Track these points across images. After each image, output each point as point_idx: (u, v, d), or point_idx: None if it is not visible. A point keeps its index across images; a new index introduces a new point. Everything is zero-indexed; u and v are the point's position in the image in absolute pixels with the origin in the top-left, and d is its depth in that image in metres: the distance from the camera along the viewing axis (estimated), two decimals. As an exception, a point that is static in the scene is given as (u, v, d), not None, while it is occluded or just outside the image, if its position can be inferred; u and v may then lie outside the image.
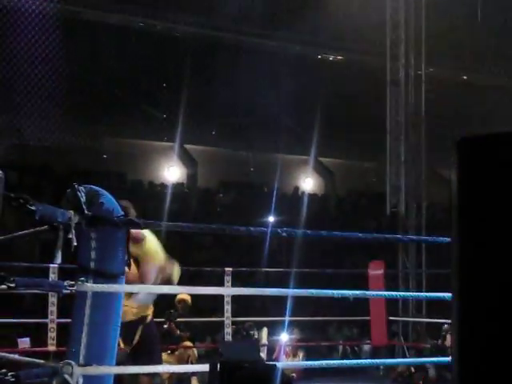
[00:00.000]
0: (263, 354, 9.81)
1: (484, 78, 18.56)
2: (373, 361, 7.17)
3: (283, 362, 9.55)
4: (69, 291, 3.84)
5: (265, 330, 10.02)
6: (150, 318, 6.04)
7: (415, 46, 12.71)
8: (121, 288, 4.15)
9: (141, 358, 5.46)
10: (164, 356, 9.10)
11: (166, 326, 9.41)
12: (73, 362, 3.82)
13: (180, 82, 16.67)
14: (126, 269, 4.30)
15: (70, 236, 3.82)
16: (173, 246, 15.23)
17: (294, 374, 10.08)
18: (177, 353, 9.38)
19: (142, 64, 16.70)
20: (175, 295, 9.52)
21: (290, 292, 7.83)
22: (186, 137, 17.54)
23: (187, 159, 18.52)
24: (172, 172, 18.13)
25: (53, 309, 8.50)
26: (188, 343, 9.62)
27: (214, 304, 10.36)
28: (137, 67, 16.74)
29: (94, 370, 3.86)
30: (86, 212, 3.90)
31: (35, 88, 15.23)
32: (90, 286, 3.97)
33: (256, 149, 18.58)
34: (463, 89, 18.37)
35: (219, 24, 16.58)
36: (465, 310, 1.81)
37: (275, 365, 3.06)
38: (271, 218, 16.47)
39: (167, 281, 5.87)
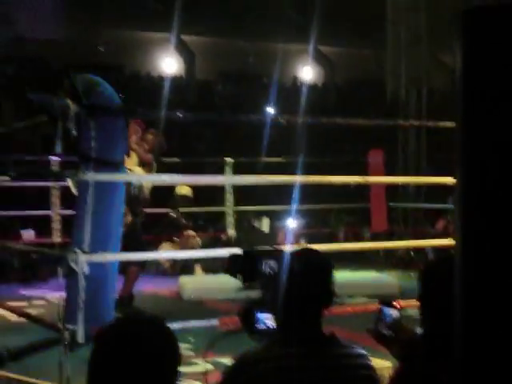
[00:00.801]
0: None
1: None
2: (372, 244, 7.27)
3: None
4: (70, 181, 3.86)
5: (265, 219, 10.14)
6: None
7: None
8: (122, 177, 4.17)
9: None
10: (167, 245, 9.27)
11: (170, 214, 9.52)
12: (78, 250, 3.88)
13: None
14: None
15: (69, 125, 3.82)
16: (173, 137, 15.28)
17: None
18: (180, 241, 9.52)
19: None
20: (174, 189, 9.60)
21: (290, 180, 7.86)
22: (183, 27, 17.20)
23: (185, 50, 18.25)
24: (169, 63, 17.88)
25: (55, 201, 8.55)
26: (191, 232, 9.76)
27: (214, 194, 10.43)
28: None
29: (98, 257, 3.93)
30: (83, 101, 3.88)
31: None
32: (92, 176, 3.99)
33: (254, 38, 18.27)
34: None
35: None
36: (468, 192, 1.81)
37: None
38: (271, 109, 16.38)
39: None
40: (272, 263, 2.72)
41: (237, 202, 10.16)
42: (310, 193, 11.29)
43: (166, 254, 5.74)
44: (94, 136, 4.03)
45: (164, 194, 9.78)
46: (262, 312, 2.59)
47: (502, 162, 1.79)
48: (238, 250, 2.88)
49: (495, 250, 1.80)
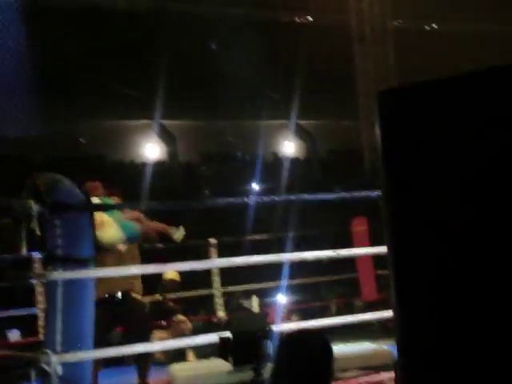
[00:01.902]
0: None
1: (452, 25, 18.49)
2: (363, 316, 7.19)
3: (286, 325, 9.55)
4: (36, 281, 3.83)
5: (254, 298, 10.05)
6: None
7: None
8: (90, 273, 4.14)
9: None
10: (159, 332, 9.14)
11: (160, 299, 9.43)
12: (49, 351, 3.82)
13: (149, 59, 16.54)
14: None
15: (33, 226, 3.81)
16: (159, 221, 15.22)
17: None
18: (171, 327, 9.39)
19: (110, 44, 16.53)
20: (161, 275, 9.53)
21: (276, 258, 7.83)
22: (162, 113, 17.44)
23: (166, 135, 18.44)
24: (152, 149, 18.05)
25: (40, 298, 8.46)
26: (181, 317, 9.63)
27: (201, 276, 10.36)
28: (106, 48, 16.57)
29: (71, 356, 3.87)
30: (46, 200, 3.89)
31: (4, 78, 15.10)
32: (60, 274, 3.97)
33: (232, 117, 18.51)
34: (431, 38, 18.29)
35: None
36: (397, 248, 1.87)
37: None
38: (255, 185, 16.46)
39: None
40: (264, 345, 2.69)
41: (224, 283, 10.08)
42: (299, 266, 11.28)
43: (155, 345, 5.60)
44: (60, 233, 4.02)
45: (151, 280, 9.72)
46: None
47: (423, 228, 1.84)
48: (228, 334, 2.84)
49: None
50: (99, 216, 5.68)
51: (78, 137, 17.82)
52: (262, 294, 10.82)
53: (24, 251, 3.84)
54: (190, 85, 17.45)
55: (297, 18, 17.17)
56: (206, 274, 9.95)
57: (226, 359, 2.86)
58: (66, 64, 15.98)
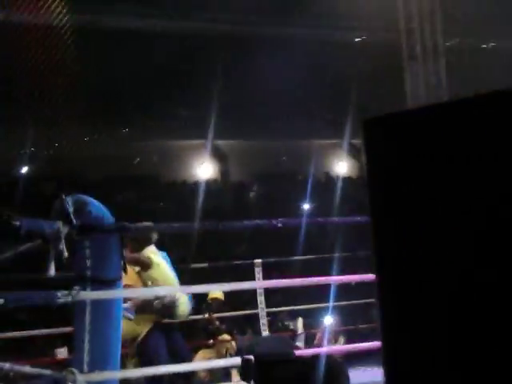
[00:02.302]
0: (301, 344, 9.80)
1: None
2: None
3: (325, 349, 9.50)
4: (63, 301, 3.89)
5: (300, 320, 10.01)
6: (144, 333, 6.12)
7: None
8: (118, 293, 4.19)
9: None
10: (203, 352, 9.16)
11: (205, 317, 9.45)
12: (75, 370, 3.87)
13: (202, 80, 16.71)
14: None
15: (61, 247, 3.88)
16: (212, 241, 15.31)
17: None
18: (215, 346, 9.40)
19: (163, 65, 16.75)
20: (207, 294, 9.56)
21: (323, 280, 7.78)
22: (215, 133, 17.58)
23: (218, 155, 18.59)
24: (204, 169, 18.22)
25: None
26: (226, 336, 9.64)
27: (250, 296, 10.37)
28: (159, 69, 16.80)
29: (97, 376, 3.91)
30: (74, 222, 3.95)
31: (63, 100, 15.46)
32: (88, 294, 4.02)
33: (285, 137, 18.54)
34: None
35: (236, 18, 16.52)
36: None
37: (313, 359, 3.00)
38: (306, 205, 16.44)
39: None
40: (286, 369, 2.68)
41: (270, 303, 10.07)
42: (348, 287, 11.20)
43: (195, 365, 5.61)
44: (89, 255, 4.08)
45: (195, 299, 9.78)
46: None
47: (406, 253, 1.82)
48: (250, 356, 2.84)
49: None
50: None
51: (132, 157, 18.10)
52: (310, 315, 10.76)
53: (52, 272, 3.90)
54: (243, 104, 17.58)
55: (348, 37, 17.15)
56: (254, 293, 9.95)
57: (248, 381, 2.85)
58: (120, 84, 16.27)
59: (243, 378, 2.79)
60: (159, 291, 5.65)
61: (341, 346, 10.64)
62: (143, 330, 6.05)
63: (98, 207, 4.12)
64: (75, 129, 16.05)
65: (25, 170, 16.44)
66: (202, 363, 7.38)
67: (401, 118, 1.79)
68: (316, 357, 2.82)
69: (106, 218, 4.12)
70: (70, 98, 15.08)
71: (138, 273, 5.99)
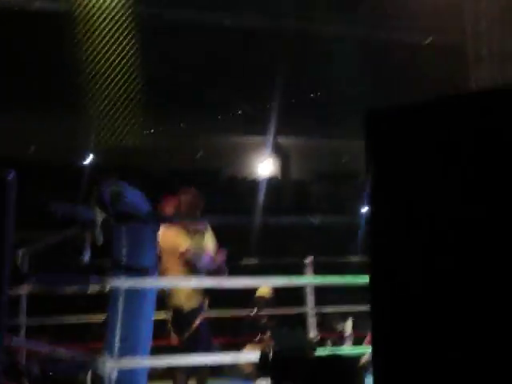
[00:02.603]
0: (349, 345, 9.72)
1: None
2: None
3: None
4: (98, 287, 3.95)
5: (349, 321, 9.93)
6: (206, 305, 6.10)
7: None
8: (151, 283, 4.24)
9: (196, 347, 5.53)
10: (248, 348, 9.18)
11: (252, 314, 9.48)
12: (105, 355, 3.94)
13: (265, 77, 16.71)
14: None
15: (96, 233, 3.94)
16: (272, 238, 15.31)
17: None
18: (261, 343, 9.42)
19: (228, 60, 16.82)
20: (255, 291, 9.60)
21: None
22: (278, 130, 17.55)
23: (279, 152, 18.56)
24: (265, 166, 18.24)
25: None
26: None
27: (296, 295, 10.33)
28: (224, 64, 16.87)
29: (126, 362, 3.97)
30: (111, 209, 4.01)
31: (128, 92, 15.68)
32: (122, 282, 4.08)
33: (348, 136, 18.38)
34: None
35: (301, 14, 16.45)
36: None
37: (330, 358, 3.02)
38: (366, 207, 16.29)
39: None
40: (302, 365, 2.68)
41: (319, 303, 10.00)
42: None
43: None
44: (125, 243, 4.13)
45: (244, 295, 9.80)
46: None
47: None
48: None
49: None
50: None
51: (194, 151, 18.24)
52: (362, 317, 10.64)
53: (87, 258, 3.97)
54: (306, 102, 17.52)
55: (412, 39, 16.87)
56: (301, 293, 9.90)
57: (265, 375, 2.86)
58: (184, 78, 16.40)
59: (261, 371, 2.80)
60: (202, 282, 5.67)
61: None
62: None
63: (136, 196, 4.17)
64: (139, 121, 16.26)
65: (88, 161, 16.75)
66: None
67: (404, 110, 1.76)
68: (335, 356, 2.81)
69: (143, 206, 4.17)
70: (134, 89, 15.30)
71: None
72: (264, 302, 9.63)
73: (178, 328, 5.68)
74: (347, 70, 15.98)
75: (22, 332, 6.57)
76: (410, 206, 1.78)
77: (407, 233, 1.83)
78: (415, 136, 1.79)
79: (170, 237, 5.59)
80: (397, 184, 1.80)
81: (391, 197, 1.82)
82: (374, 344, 1.87)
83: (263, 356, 2.86)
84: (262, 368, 2.91)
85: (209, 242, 5.96)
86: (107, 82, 15.65)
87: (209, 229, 5.98)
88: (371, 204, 1.86)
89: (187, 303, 5.95)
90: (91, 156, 16.92)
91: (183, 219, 5.41)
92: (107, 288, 3.95)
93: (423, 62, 16.10)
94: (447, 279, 1.76)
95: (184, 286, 5.57)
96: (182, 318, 5.79)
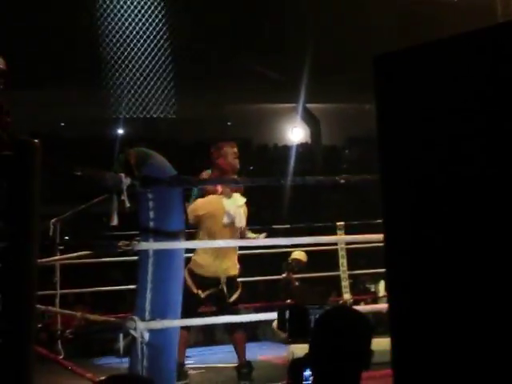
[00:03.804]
0: (382, 306, 9.72)
1: None
2: None
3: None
4: (122, 250, 3.99)
5: (382, 283, 9.93)
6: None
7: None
8: (179, 244, 4.27)
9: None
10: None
11: (284, 276, 9.49)
12: (136, 317, 3.99)
13: (294, 43, 16.62)
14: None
15: (123, 198, 3.98)
16: (303, 203, 15.25)
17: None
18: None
19: (255, 28, 16.75)
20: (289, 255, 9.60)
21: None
22: (307, 96, 17.49)
23: (310, 118, 18.51)
24: (296, 133, 18.20)
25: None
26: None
27: (329, 260, 10.34)
28: (251, 32, 16.80)
29: (157, 324, 4.02)
30: (137, 172, 4.04)
31: (156, 64, 15.72)
32: (150, 244, 4.12)
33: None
34: None
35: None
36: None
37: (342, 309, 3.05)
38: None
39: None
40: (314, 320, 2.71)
41: (352, 267, 10.01)
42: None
43: (246, 317, 5.58)
44: (152, 207, 4.17)
45: (278, 261, 9.85)
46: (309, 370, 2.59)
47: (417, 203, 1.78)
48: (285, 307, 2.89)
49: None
50: None
51: (224, 120, 18.26)
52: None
53: (115, 222, 4.01)
54: (335, 68, 17.40)
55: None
56: (333, 258, 9.92)
57: (283, 331, 2.90)
58: (212, 48, 16.38)
59: (279, 327, 2.83)
60: (230, 242, 5.69)
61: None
62: None
63: (160, 160, 4.20)
64: (168, 92, 16.30)
65: (120, 132, 16.86)
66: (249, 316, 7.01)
67: (412, 53, 1.74)
68: (348, 309, 2.83)
69: (168, 170, 4.20)
70: (163, 61, 15.33)
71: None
72: (298, 266, 9.62)
73: (221, 295, 5.73)
74: (373, 32, 15.82)
75: (57, 301, 6.69)
76: (421, 147, 1.76)
77: (421, 179, 1.80)
78: (425, 76, 1.76)
79: (212, 200, 5.74)
80: (408, 126, 1.78)
81: (402, 141, 1.80)
82: (390, 298, 1.87)
83: (280, 313, 2.89)
84: (279, 325, 2.94)
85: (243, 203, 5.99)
86: (136, 55, 15.69)
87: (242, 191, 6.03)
88: (381, 149, 1.85)
89: (234, 269, 6.01)
90: (121, 128, 17.02)
91: (216, 182, 5.51)
92: (135, 250, 3.99)
93: (452, 19, 15.85)
94: (465, 228, 1.73)
95: (226, 246, 5.64)
96: (230, 283, 5.84)
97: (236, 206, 5.82)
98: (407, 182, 1.82)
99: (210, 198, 5.82)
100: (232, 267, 5.94)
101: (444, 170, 1.74)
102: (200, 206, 5.73)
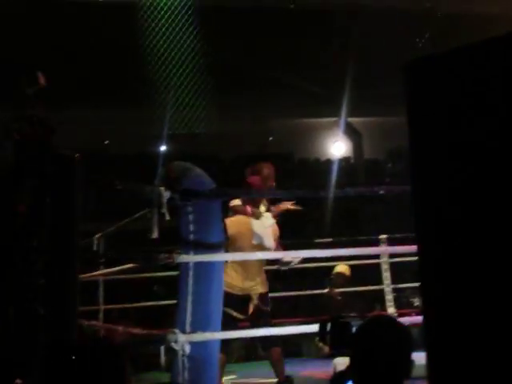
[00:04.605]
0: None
1: None
2: None
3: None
4: (164, 263, 4.02)
5: (425, 296, 9.78)
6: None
7: None
8: (219, 256, 4.29)
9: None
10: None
11: (326, 291, 9.43)
12: (177, 330, 4.01)
13: (335, 57, 16.60)
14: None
15: (163, 211, 4.01)
16: (345, 218, 15.18)
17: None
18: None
19: (293, 43, 16.76)
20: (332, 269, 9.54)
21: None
22: (348, 110, 17.44)
23: (351, 132, 18.44)
24: (337, 147, 18.14)
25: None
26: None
27: (376, 273, 10.24)
28: (291, 47, 16.81)
29: (197, 336, 4.03)
30: (177, 186, 4.08)
31: (197, 79, 15.85)
32: (190, 257, 4.14)
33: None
34: None
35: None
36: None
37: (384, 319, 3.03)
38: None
39: None
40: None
41: (396, 280, 9.89)
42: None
43: (282, 330, 5.53)
44: (192, 220, 4.19)
45: (320, 274, 9.81)
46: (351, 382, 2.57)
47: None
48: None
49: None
50: None
51: (266, 135, 18.29)
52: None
53: (156, 235, 4.04)
54: (377, 81, 17.32)
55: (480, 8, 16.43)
56: (376, 272, 9.82)
57: (324, 343, 2.87)
58: (253, 63, 16.44)
59: (321, 340, 2.80)
60: (270, 254, 5.68)
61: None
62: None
63: (200, 173, 4.23)
64: (209, 107, 16.39)
65: (162, 149, 16.98)
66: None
67: (443, 59, 1.73)
68: (386, 318, 2.81)
69: (207, 183, 4.22)
70: (202, 77, 15.45)
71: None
72: (341, 279, 9.54)
73: (255, 310, 5.71)
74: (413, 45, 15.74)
75: (100, 316, 6.75)
76: (452, 150, 1.74)
77: (454, 182, 1.77)
78: (456, 81, 1.75)
79: (240, 220, 5.73)
80: (438, 130, 1.77)
81: (433, 144, 1.78)
82: (425, 309, 1.85)
83: (322, 326, 2.87)
84: (321, 337, 2.92)
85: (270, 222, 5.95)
86: (175, 71, 15.84)
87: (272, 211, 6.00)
88: (413, 153, 1.83)
89: (264, 286, 5.98)
90: (163, 145, 17.15)
91: (252, 195, 5.51)
92: (176, 263, 4.02)
93: (491, 32, 15.68)
94: (499, 238, 1.70)
95: (258, 264, 5.63)
96: (261, 300, 5.82)
97: (264, 227, 5.79)
98: (439, 191, 1.79)
99: (239, 217, 5.82)
100: (261, 284, 5.91)
101: (476, 180, 1.71)
102: (229, 225, 5.73)
